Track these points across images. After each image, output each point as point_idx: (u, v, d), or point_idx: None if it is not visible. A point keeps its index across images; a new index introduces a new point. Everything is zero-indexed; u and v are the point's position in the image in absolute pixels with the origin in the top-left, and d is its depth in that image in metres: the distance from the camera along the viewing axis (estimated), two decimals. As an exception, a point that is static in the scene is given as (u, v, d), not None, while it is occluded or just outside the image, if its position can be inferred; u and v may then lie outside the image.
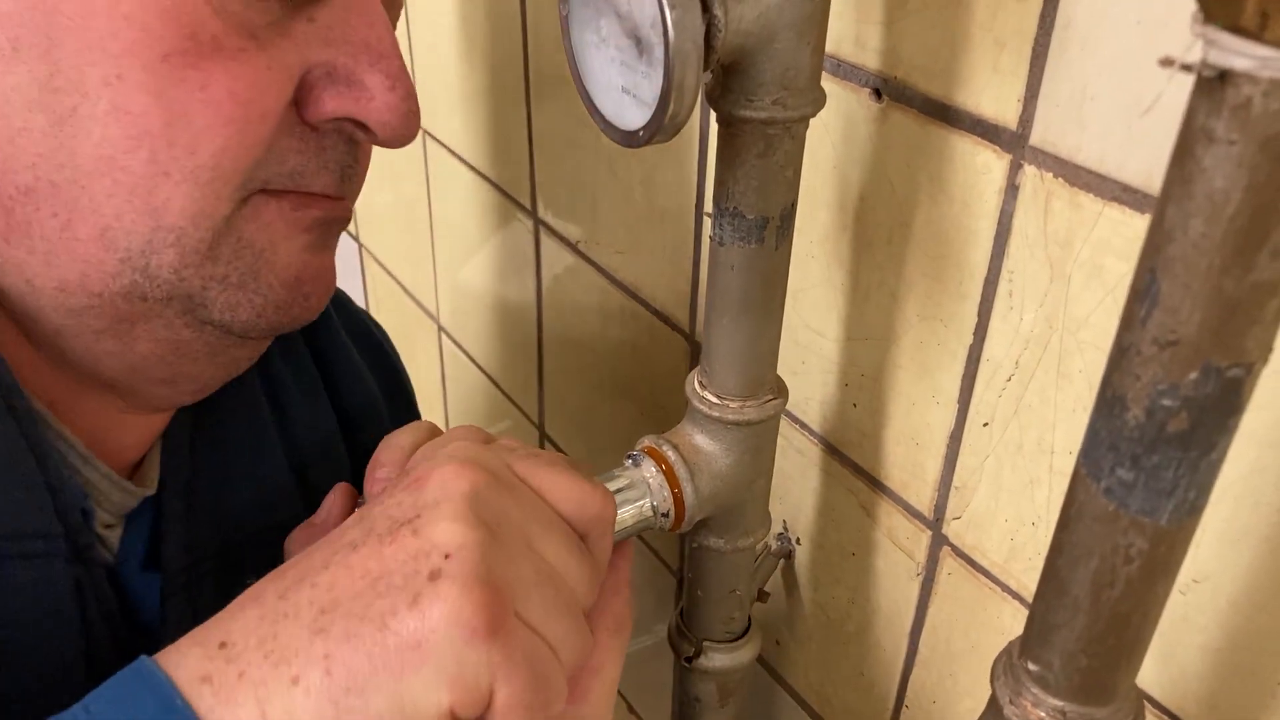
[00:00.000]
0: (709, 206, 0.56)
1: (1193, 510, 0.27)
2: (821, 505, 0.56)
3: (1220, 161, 0.22)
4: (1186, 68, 0.22)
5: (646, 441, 0.47)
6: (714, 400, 0.46)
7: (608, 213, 0.65)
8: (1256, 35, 0.21)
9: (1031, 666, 0.32)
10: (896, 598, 0.53)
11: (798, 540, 0.59)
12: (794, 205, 0.42)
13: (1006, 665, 0.33)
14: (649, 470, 0.46)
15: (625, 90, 0.38)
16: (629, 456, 0.47)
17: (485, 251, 0.83)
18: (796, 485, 0.57)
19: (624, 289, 0.66)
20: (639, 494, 0.46)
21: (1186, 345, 0.24)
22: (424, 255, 0.94)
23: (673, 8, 0.33)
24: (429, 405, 1.03)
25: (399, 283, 1.02)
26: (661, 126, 0.36)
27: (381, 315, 1.10)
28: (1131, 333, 0.25)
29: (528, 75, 0.69)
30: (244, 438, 0.51)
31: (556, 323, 0.76)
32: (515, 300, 0.81)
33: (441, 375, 0.99)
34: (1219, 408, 0.25)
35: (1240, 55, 0.21)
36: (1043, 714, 0.32)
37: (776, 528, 0.59)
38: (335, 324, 0.58)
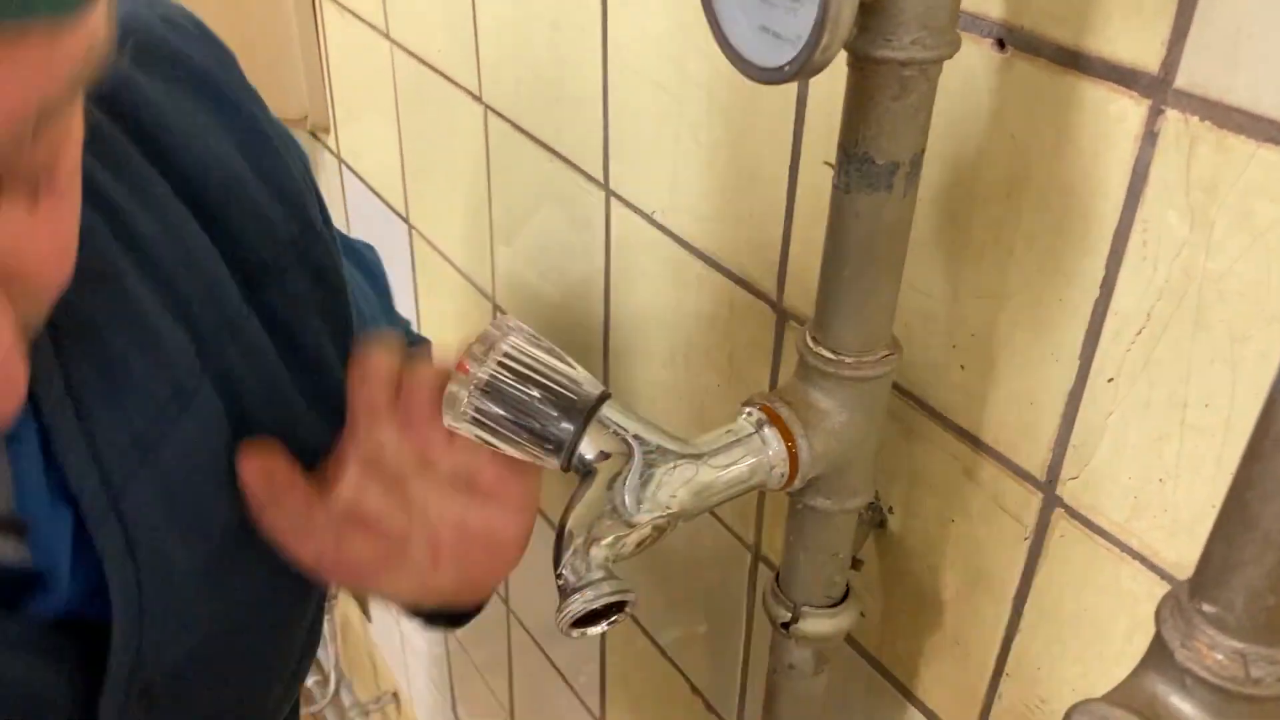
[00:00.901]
0: (805, 165, 0.56)
1: (1405, 436, 0.26)
2: (917, 471, 0.55)
3: None
4: None
5: (760, 398, 0.46)
6: (829, 356, 0.45)
7: (688, 181, 0.65)
8: None
9: (1207, 608, 0.31)
10: (1000, 563, 0.52)
11: (890, 509, 0.58)
12: (923, 152, 0.41)
13: (1175, 608, 0.32)
14: (765, 428, 0.45)
15: (765, 28, 0.37)
16: (742, 413, 0.46)
17: (549, 227, 0.83)
18: (890, 452, 0.56)
19: (703, 258, 0.66)
20: (754, 451, 0.45)
21: None
22: (481, 235, 0.93)
23: (836, -65, 0.32)
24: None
25: (451, 262, 1.02)
26: (810, 61, 0.35)
27: (432, 297, 1.09)
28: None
29: (605, 44, 0.68)
30: (109, 310, 0.42)
31: (626, 297, 0.75)
32: (580, 274, 0.80)
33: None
34: None
35: None
36: (1220, 657, 0.31)
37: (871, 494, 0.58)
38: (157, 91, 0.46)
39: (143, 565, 0.42)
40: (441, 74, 0.91)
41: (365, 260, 0.67)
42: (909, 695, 0.61)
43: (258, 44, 1.11)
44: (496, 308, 0.95)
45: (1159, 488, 0.43)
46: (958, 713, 0.58)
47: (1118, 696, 0.33)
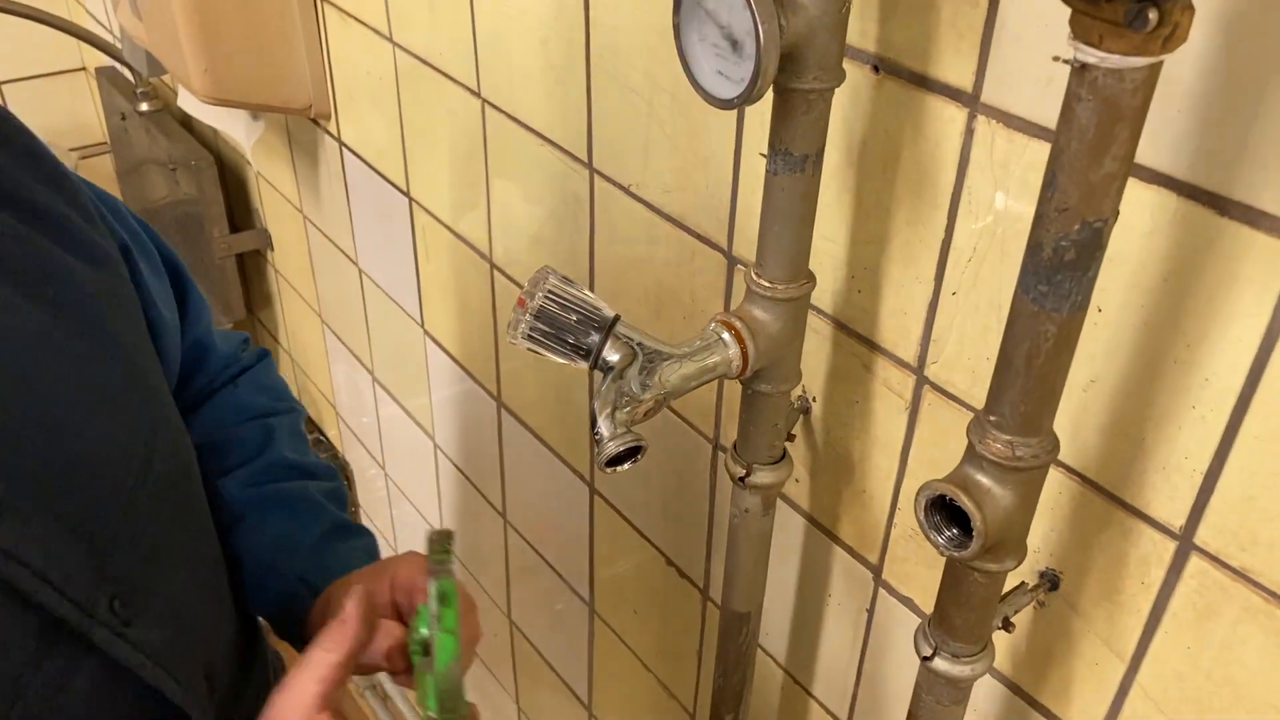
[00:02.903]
0: (745, 150, 0.77)
1: (1080, 307, 0.48)
2: (832, 369, 0.77)
3: (1084, 110, 0.43)
4: (1066, 61, 0.43)
5: (720, 315, 0.67)
6: (767, 285, 0.67)
7: (657, 161, 0.85)
8: (1098, 45, 0.41)
9: (991, 418, 0.53)
10: (890, 429, 0.74)
11: (814, 398, 0.80)
12: (824, 147, 0.62)
13: (976, 422, 0.54)
14: (724, 334, 0.67)
15: (720, 73, 0.58)
16: (709, 325, 0.67)
17: (541, 198, 1.03)
18: (814, 357, 0.78)
19: (670, 219, 0.87)
20: (718, 350, 0.66)
21: (1072, 210, 0.45)
22: (478, 205, 1.13)
23: (763, 22, 0.53)
24: (483, 335, 1.23)
25: (451, 229, 1.21)
26: (750, 96, 0.56)
27: (432, 259, 1.29)
28: (1043, 206, 0.46)
29: (588, 53, 0.88)
30: None
31: (608, 252, 0.96)
32: (569, 236, 1.00)
33: (493, 307, 1.18)
34: (1091, 245, 0.46)
35: (1091, 55, 0.42)
36: (999, 445, 0.53)
37: (797, 389, 0.80)
38: None
39: None
40: (443, 73, 1.10)
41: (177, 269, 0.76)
42: (832, 536, 0.83)
43: (269, 46, 1.28)
44: (493, 266, 1.15)
45: (986, 364, 0.65)
46: (866, 544, 0.80)
47: (946, 478, 0.55)
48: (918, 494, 0.56)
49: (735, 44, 0.56)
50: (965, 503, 0.53)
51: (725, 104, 0.58)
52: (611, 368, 0.64)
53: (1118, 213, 0.46)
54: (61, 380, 0.54)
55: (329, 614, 0.65)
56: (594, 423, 0.62)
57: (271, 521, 0.76)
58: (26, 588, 0.48)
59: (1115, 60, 0.41)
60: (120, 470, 0.56)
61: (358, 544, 0.78)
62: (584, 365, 0.65)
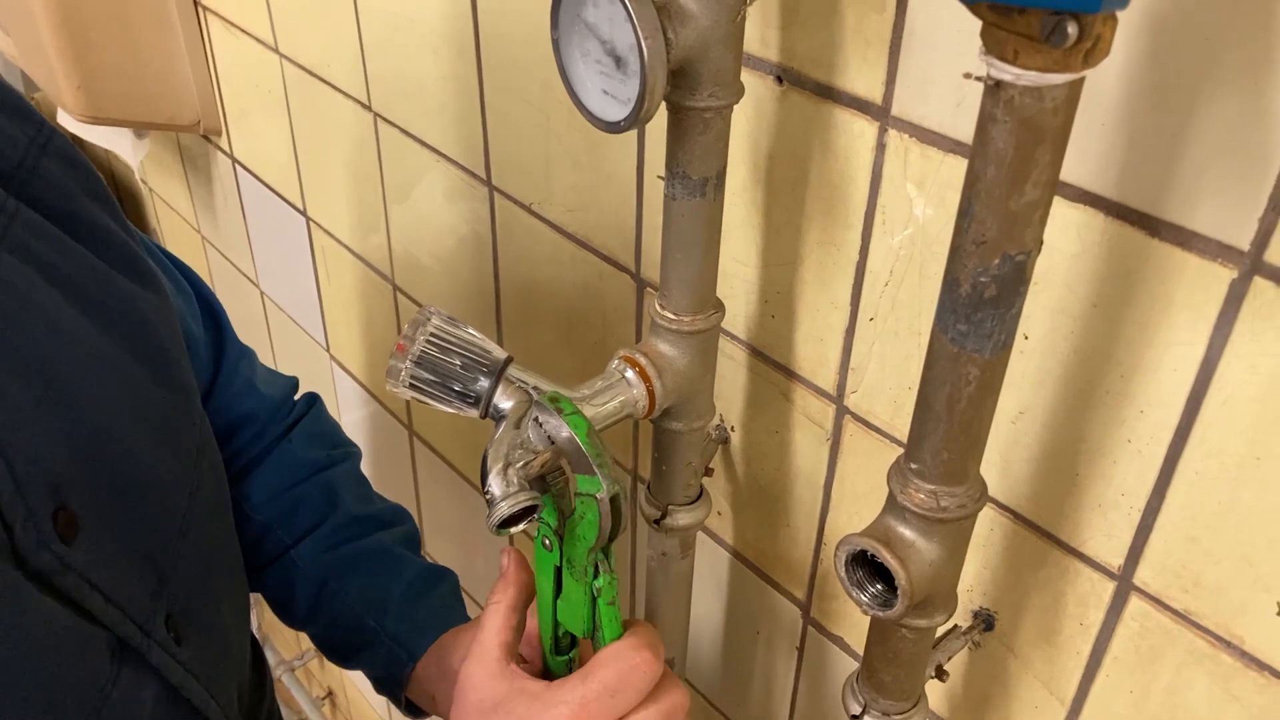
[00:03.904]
0: (648, 169, 0.71)
1: (1004, 347, 0.44)
2: (749, 398, 0.72)
3: (1000, 132, 0.38)
4: (979, 78, 0.38)
5: (624, 352, 0.62)
6: (672, 317, 0.61)
7: (559, 178, 0.80)
8: (1013, 61, 0.37)
9: (913, 466, 0.48)
10: (812, 460, 0.69)
11: (732, 428, 0.75)
12: (725, 167, 0.57)
13: (896, 469, 0.50)
14: (628, 372, 0.61)
15: (606, 92, 0.52)
16: (611, 363, 0.62)
17: (440, 216, 0.96)
18: (729, 385, 0.73)
19: (575, 240, 0.81)
20: (622, 391, 0.61)
21: (991, 243, 0.41)
22: (377, 224, 1.07)
23: (646, 37, 0.48)
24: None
25: (350, 249, 1.14)
26: (638, 118, 0.51)
27: (333, 282, 1.22)
28: (959, 238, 0.42)
29: (480, 63, 0.82)
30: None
31: (514, 273, 0.90)
32: (472, 257, 0.94)
33: (398, 331, 1.12)
34: (1014, 280, 0.42)
35: (1005, 72, 0.37)
36: (922, 496, 0.48)
37: (714, 420, 0.75)
38: None
39: None
40: (332, 85, 1.03)
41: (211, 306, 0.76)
42: (758, 570, 0.78)
43: (148, 59, 1.20)
44: (396, 288, 1.09)
45: (909, 393, 0.61)
46: (793, 579, 0.75)
47: (866, 531, 0.50)
48: (837, 549, 0.51)
49: (619, 61, 0.50)
50: (888, 559, 0.49)
51: (613, 127, 0.52)
52: (504, 416, 0.58)
53: (1041, 243, 0.41)
54: (124, 400, 0.54)
55: (441, 674, 0.68)
56: (485, 479, 0.56)
57: (353, 585, 0.75)
58: (95, 608, 0.49)
59: (1032, 77, 0.36)
60: (177, 491, 0.57)
61: (444, 589, 0.77)
62: (474, 414, 0.59)
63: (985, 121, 0.39)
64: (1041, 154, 0.39)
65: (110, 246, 0.57)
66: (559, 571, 0.59)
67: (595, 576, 0.57)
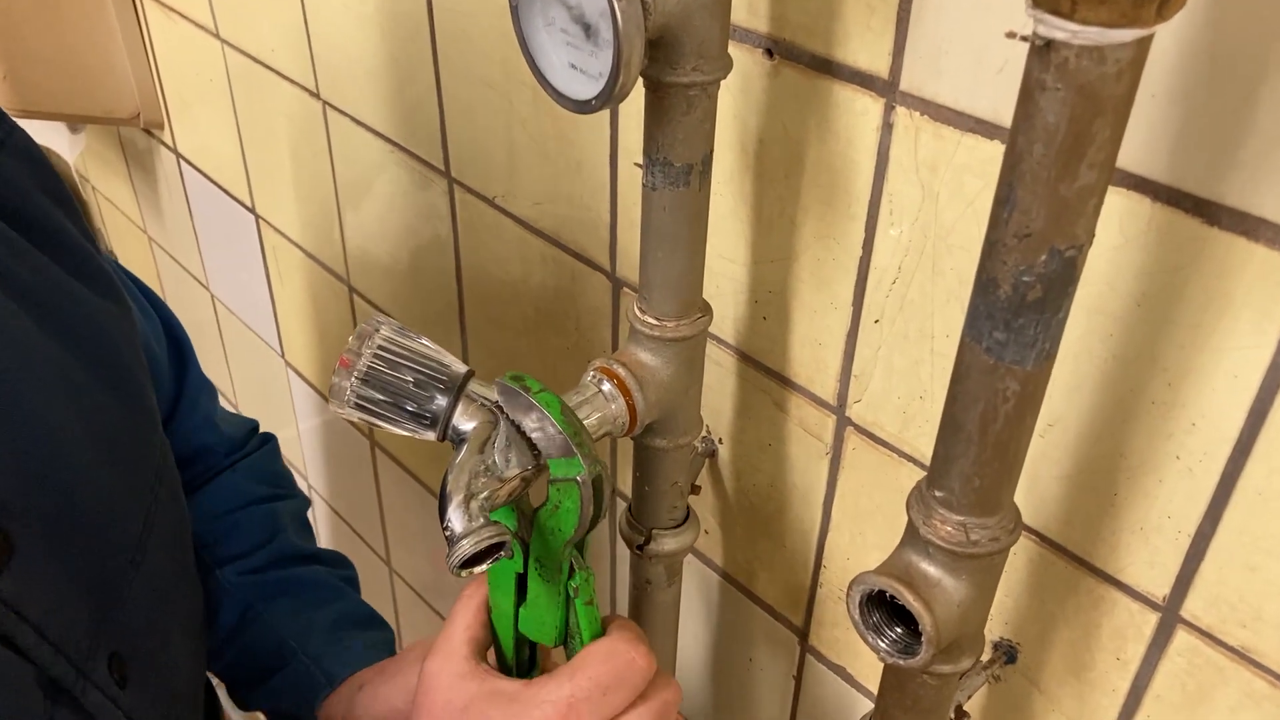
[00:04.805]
0: (623, 155, 0.64)
1: (1049, 357, 0.37)
2: (739, 407, 0.65)
3: (1051, 103, 0.32)
4: (1025, 38, 0.32)
5: (599, 362, 0.55)
6: (654, 322, 0.54)
7: (524, 168, 0.73)
8: (1069, 15, 0.30)
9: (938, 493, 0.42)
10: (809, 476, 0.63)
11: (720, 440, 0.68)
12: (712, 152, 0.50)
13: (918, 496, 0.43)
14: (605, 385, 0.54)
15: (574, 66, 0.45)
16: (587, 375, 0.55)
17: (396, 212, 0.89)
18: (717, 393, 0.66)
19: (544, 237, 0.74)
20: (599, 406, 0.54)
21: (1037, 236, 0.34)
22: (330, 222, 0.99)
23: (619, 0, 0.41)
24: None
25: (302, 249, 1.07)
26: (612, 95, 0.44)
27: (286, 284, 1.14)
28: (997, 230, 0.35)
29: (434, 42, 0.75)
30: None
31: (478, 274, 0.83)
32: (432, 256, 0.87)
33: (355, 334, 1.04)
34: (1062, 279, 0.35)
35: (1059, 29, 0.30)
36: (949, 529, 0.42)
37: (701, 433, 0.68)
38: None
39: None
40: (277, 72, 0.95)
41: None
42: (750, 594, 0.72)
43: (81, 47, 1.12)
44: (352, 290, 1.01)
45: (920, 404, 0.54)
46: (789, 604, 0.69)
47: (883, 568, 0.44)
48: (850, 588, 0.45)
49: (588, 29, 0.43)
50: (911, 602, 0.42)
51: (582, 106, 0.45)
52: (465, 439, 0.51)
53: (1093, 235, 0.35)
54: (76, 417, 0.49)
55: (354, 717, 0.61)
56: (443, 512, 0.49)
57: (280, 608, 0.69)
58: (24, 643, 0.44)
59: (1093, 34, 0.30)
60: (130, 518, 0.52)
61: (379, 636, 0.70)
62: (431, 436, 0.52)
63: (1032, 90, 0.32)
64: (1100, 128, 0.32)
65: (69, 252, 0.53)
66: (521, 579, 0.52)
67: (570, 575, 0.50)
